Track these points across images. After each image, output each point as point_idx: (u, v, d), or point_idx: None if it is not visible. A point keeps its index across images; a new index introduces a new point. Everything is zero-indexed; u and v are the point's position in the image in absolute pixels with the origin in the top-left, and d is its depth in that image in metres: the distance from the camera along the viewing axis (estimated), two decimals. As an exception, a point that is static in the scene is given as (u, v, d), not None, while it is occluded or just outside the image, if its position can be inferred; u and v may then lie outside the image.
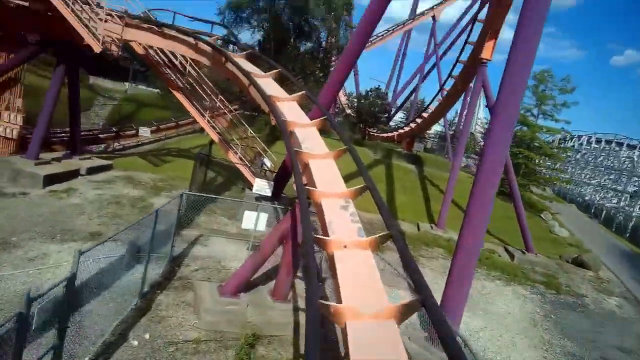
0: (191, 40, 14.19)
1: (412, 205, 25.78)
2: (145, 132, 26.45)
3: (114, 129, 29.49)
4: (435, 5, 50.64)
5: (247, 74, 11.94)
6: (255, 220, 12.49)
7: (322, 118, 9.98)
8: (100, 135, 28.36)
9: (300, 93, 11.38)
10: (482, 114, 60.24)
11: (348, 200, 6.71)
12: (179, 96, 17.25)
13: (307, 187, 6.92)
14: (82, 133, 28.04)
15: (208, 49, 14.01)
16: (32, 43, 15.36)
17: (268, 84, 12.28)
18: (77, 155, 17.51)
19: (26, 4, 14.88)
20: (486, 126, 36.69)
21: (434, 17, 50.24)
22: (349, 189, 6.78)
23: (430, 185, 30.05)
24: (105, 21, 13.85)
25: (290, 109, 10.75)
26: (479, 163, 10.15)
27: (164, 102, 36.05)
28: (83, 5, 13.42)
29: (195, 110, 17.13)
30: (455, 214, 24.52)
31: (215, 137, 17.34)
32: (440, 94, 30.21)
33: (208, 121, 17.18)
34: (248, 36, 30.62)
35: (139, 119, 33.89)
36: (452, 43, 50.15)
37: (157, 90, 39.30)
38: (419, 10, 53.69)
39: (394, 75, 59.42)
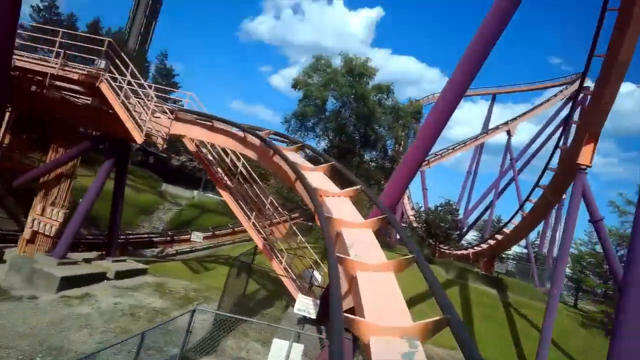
0: (240, 133, 12.94)
1: (495, 340, 20.65)
2: (197, 237, 25.23)
3: (169, 233, 28.94)
4: (510, 120, 49.03)
5: (291, 165, 10.00)
6: (286, 353, 9.35)
7: (380, 217, 7.36)
8: (155, 239, 27.75)
9: (354, 188, 9.05)
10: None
11: (415, 342, 3.74)
12: (225, 195, 15.75)
13: (348, 314, 4.08)
14: (139, 236, 27.90)
15: (256, 142, 12.58)
16: (87, 138, 15.18)
17: (317, 177, 10.16)
18: (112, 256, 16.02)
19: (89, 101, 15.11)
20: (582, 248, 31.24)
21: (508, 132, 48.21)
22: (418, 322, 3.82)
23: (517, 316, 24.61)
24: (155, 114, 13.21)
25: (340, 206, 8.34)
26: (617, 312, 6.65)
27: (225, 208, 35.73)
28: (135, 99, 12.98)
29: (240, 212, 15.35)
30: (556, 357, 19.13)
31: (259, 243, 15.17)
32: (521, 208, 26.47)
33: (253, 224, 15.20)
34: (312, 144, 30.21)
35: (198, 224, 33.51)
36: (537, 151, 46.91)
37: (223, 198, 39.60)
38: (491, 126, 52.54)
39: (465, 193, 56.08)
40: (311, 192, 8.36)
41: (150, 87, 16.23)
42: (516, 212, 28.46)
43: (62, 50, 12.77)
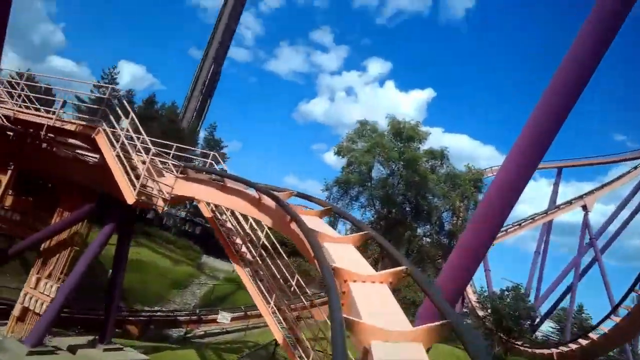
0: (254, 194, 10.35)
1: None
2: (224, 318, 22.07)
3: (196, 312, 26.08)
4: (585, 194, 43.38)
5: (307, 233, 7.08)
6: None
7: (440, 323, 4.09)
8: (180, 318, 24.93)
9: (397, 269, 5.83)
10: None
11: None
12: (241, 272, 12.93)
13: None
14: (164, 314, 25.27)
15: (272, 204, 9.88)
16: (92, 200, 13.34)
17: (343, 252, 7.06)
18: (105, 343, 13.27)
19: (96, 158, 13.51)
20: None
21: (585, 207, 42.35)
22: None
23: None
24: (160, 173, 11.11)
25: (373, 298, 5.19)
26: None
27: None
28: (135, 153, 11.02)
29: (257, 294, 12.33)
30: None
31: (279, 336, 11.88)
32: (625, 299, 20.96)
33: (273, 311, 12.04)
34: (357, 215, 27.20)
35: (232, 302, 30.56)
36: (623, 227, 40.46)
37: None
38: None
39: (535, 275, 48.93)
40: (327, 273, 5.31)
41: (171, 146, 14.58)
42: (619, 304, 22.73)
43: (61, 100, 11.32)
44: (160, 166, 11.34)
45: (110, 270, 26.45)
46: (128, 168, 10.22)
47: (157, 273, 32.66)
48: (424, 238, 26.97)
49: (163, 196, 10.91)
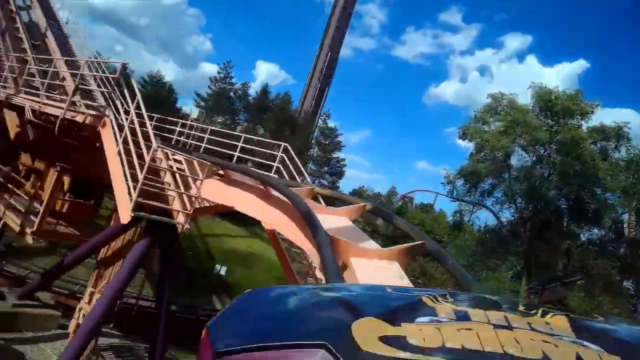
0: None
1: None
2: None
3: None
4: None
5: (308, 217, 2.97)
6: None
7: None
8: None
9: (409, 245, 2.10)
10: None
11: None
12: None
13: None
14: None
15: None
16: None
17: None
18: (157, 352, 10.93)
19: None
20: None
21: None
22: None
23: None
24: (184, 178, 7.93)
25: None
26: None
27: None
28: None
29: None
30: None
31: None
32: None
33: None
34: (490, 213, 21.37)
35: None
36: None
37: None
38: None
39: None
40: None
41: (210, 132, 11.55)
42: None
43: (75, 84, 8.87)
44: (186, 169, 8.16)
45: (217, 265, 24.97)
46: (127, 172, 7.16)
47: (265, 266, 31.44)
48: (590, 247, 19.84)
49: (185, 210, 7.68)
